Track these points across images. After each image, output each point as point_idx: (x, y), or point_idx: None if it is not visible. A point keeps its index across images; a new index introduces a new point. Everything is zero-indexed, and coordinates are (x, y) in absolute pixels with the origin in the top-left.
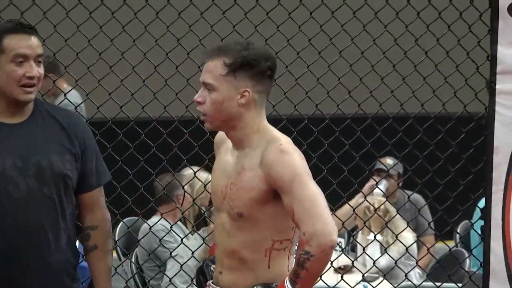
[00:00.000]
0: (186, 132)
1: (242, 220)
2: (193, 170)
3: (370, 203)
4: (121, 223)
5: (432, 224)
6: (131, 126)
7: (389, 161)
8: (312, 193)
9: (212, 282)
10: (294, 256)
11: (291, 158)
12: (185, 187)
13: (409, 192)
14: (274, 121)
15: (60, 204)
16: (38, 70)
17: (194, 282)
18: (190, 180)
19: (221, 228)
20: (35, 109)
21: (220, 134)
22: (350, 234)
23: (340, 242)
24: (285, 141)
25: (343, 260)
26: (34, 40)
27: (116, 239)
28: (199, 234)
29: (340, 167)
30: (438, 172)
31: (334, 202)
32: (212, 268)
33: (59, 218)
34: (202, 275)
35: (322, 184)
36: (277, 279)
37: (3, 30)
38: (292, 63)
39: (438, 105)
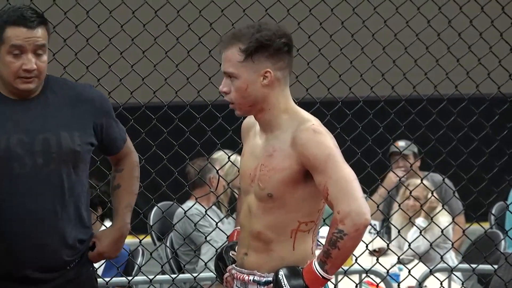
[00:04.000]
0: (220, 116)
1: (271, 201)
2: (226, 154)
3: (406, 187)
4: (156, 207)
5: (461, 205)
6: (164, 111)
7: (401, 143)
8: (347, 173)
9: (235, 265)
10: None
11: (324, 138)
12: (218, 171)
13: (437, 175)
14: (307, 104)
15: (68, 180)
16: (37, 62)
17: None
18: (225, 164)
19: (247, 210)
20: (46, 85)
21: (247, 121)
22: (386, 217)
23: (374, 224)
24: (316, 122)
25: (378, 243)
26: (35, 32)
27: (151, 223)
28: (233, 218)
29: (374, 149)
30: (473, 154)
31: (369, 185)
32: (231, 254)
33: (66, 194)
34: (221, 261)
35: (356, 167)
36: (301, 261)
37: (6, 21)
38: (325, 46)
39: (472, 86)
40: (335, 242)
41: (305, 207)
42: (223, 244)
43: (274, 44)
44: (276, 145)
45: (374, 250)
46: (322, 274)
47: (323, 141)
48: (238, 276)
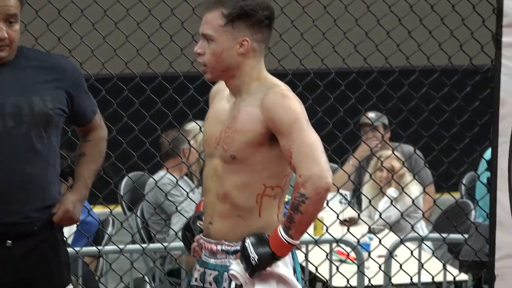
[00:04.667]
0: (191, 87)
1: (235, 162)
2: (198, 125)
3: (378, 158)
4: (126, 178)
5: (431, 175)
6: (136, 82)
7: (371, 114)
8: (311, 138)
9: (203, 235)
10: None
11: (292, 102)
12: (191, 142)
13: (407, 146)
14: (280, 75)
15: (40, 144)
16: (8, 31)
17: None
18: (196, 135)
19: (213, 173)
20: (20, 53)
21: (216, 87)
22: (357, 187)
23: (346, 194)
24: (286, 88)
25: (349, 213)
26: (7, 1)
27: (122, 194)
28: None
29: (346, 120)
30: (444, 125)
31: (340, 155)
32: (198, 224)
33: (38, 158)
34: (188, 231)
35: (328, 137)
36: (267, 228)
37: None
38: (298, 18)
39: (444, 58)
40: (297, 207)
41: (270, 170)
42: (193, 215)
43: (257, 15)
44: (243, 108)
45: (345, 220)
46: (287, 240)
47: (291, 105)
48: (206, 246)
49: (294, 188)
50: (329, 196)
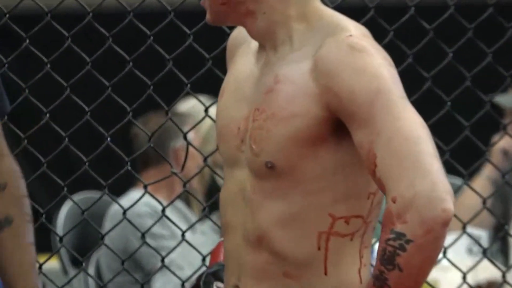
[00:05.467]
0: (189, 33)
1: (276, 177)
2: (203, 103)
3: None
4: (70, 203)
5: None
6: (88, 23)
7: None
8: (410, 125)
9: None
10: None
11: (370, 59)
12: (189, 135)
13: None
14: (353, 11)
15: None
16: None
17: None
18: (200, 121)
19: (238, 196)
20: None
21: (236, 35)
22: (501, 222)
23: (479, 236)
24: (359, 32)
25: (487, 271)
26: None
27: (60, 233)
28: (216, 224)
29: (474, 95)
30: None
31: (465, 161)
32: (216, 287)
33: None
34: None
35: (441, 126)
36: None
37: None
38: None
39: None
40: (391, 258)
41: (340, 189)
42: (196, 269)
43: None
44: (282, 73)
45: (479, 287)
46: None
47: (369, 64)
48: None
49: (384, 223)
50: (448, 238)
